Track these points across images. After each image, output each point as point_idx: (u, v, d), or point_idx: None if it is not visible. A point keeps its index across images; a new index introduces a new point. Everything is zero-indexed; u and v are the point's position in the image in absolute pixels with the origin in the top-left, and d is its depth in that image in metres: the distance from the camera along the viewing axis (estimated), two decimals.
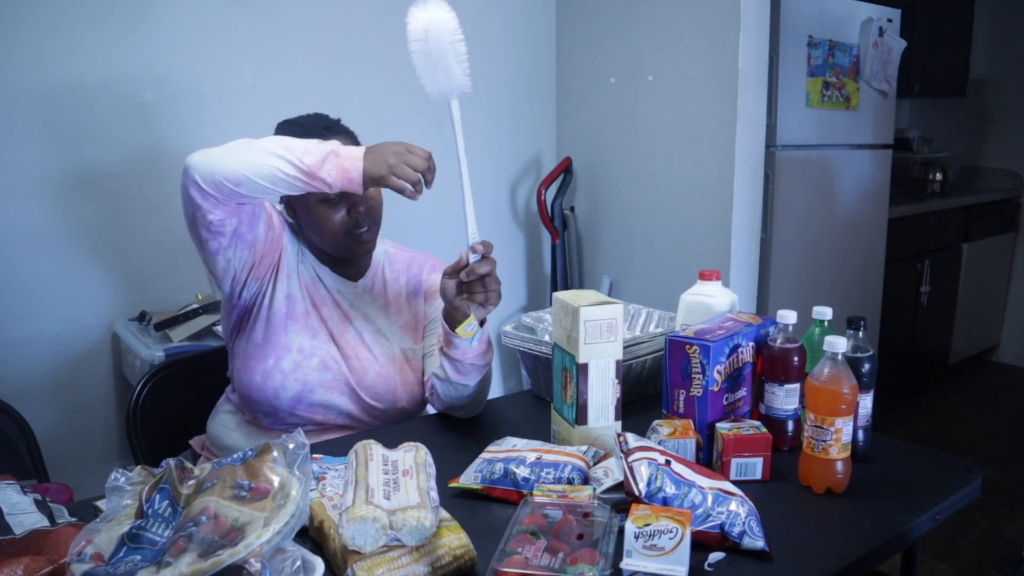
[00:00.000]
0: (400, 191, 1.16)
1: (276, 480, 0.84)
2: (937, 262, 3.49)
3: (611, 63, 2.62)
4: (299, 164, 1.13)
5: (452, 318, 1.25)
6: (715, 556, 0.92)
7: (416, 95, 2.64)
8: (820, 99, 2.64)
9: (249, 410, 1.39)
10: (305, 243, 1.41)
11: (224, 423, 1.43)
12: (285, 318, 1.34)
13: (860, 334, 1.15)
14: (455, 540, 0.88)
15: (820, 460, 1.07)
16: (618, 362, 1.15)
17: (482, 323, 1.27)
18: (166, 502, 0.87)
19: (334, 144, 1.16)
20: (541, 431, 1.27)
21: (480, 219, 2.84)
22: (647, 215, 2.58)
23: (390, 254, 1.49)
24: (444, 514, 0.93)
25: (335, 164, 1.13)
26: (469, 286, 1.22)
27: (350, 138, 1.38)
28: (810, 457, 1.08)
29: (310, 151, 1.14)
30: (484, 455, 1.13)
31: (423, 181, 1.18)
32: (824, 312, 1.22)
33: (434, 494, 0.93)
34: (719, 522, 0.93)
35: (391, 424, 1.41)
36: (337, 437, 1.34)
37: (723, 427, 1.13)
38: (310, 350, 1.34)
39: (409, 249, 1.52)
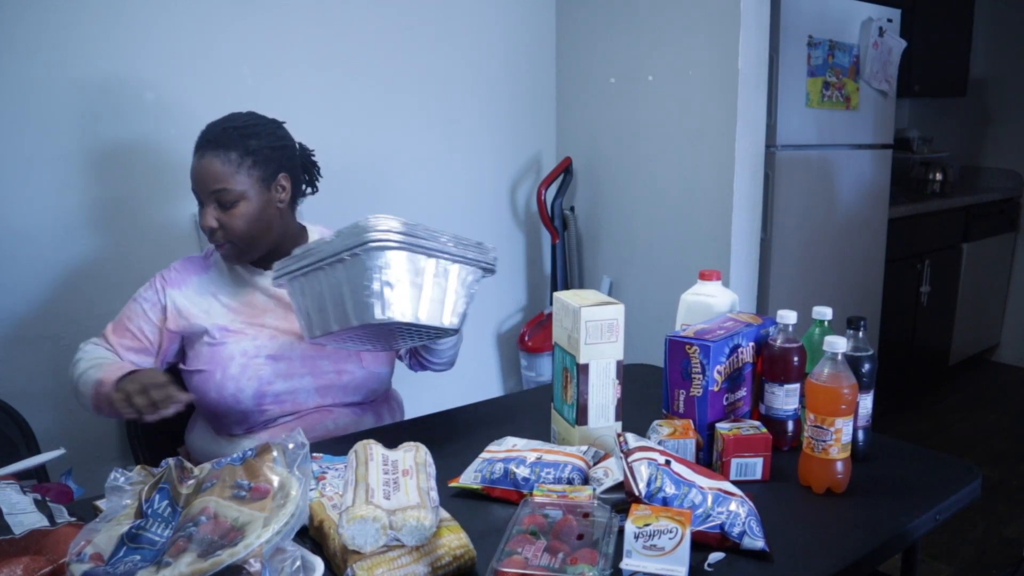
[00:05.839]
0: (125, 415, 1.20)
1: (276, 480, 0.84)
2: (937, 262, 3.49)
3: (611, 63, 2.61)
4: (95, 396, 1.28)
5: None
6: (715, 556, 0.92)
7: (416, 95, 2.65)
8: (820, 99, 2.64)
9: (220, 424, 1.42)
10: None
11: (205, 431, 1.46)
12: (222, 337, 1.39)
13: (860, 334, 1.15)
14: (455, 540, 0.88)
15: (820, 460, 1.07)
16: (619, 362, 1.15)
17: None
18: (166, 502, 0.87)
19: (107, 373, 1.27)
20: (541, 431, 1.27)
21: (480, 219, 2.86)
22: (647, 215, 2.58)
23: (324, 235, 1.50)
24: (444, 514, 0.93)
25: (101, 394, 1.25)
26: None
27: (262, 137, 1.37)
28: (810, 457, 1.08)
29: (103, 381, 1.26)
30: (484, 455, 1.13)
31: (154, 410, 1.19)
32: (824, 312, 1.22)
33: (434, 494, 0.93)
34: (719, 522, 0.93)
35: (362, 389, 1.44)
36: (322, 425, 1.37)
37: (723, 427, 1.13)
38: (254, 351, 1.37)
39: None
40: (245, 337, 1.38)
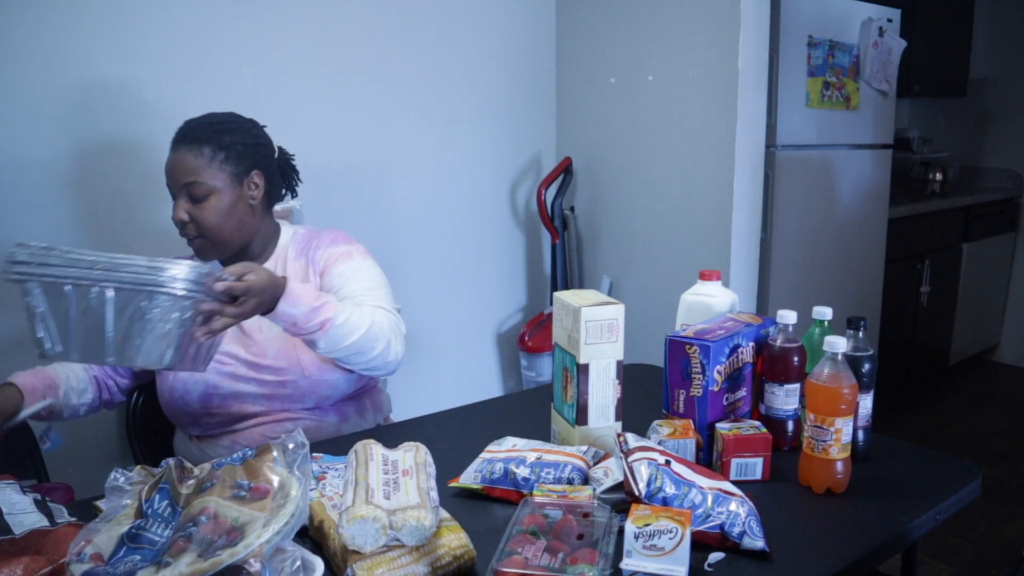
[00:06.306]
0: None
1: (276, 480, 0.84)
2: (937, 262, 3.49)
3: (611, 63, 2.61)
4: None
5: None
6: (715, 556, 0.92)
7: (416, 94, 2.64)
8: (820, 99, 2.64)
9: (179, 424, 1.45)
10: None
11: (181, 433, 1.49)
12: None
13: (860, 334, 1.15)
14: (455, 540, 0.88)
15: (820, 460, 1.07)
16: (619, 362, 1.15)
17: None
18: (166, 502, 0.87)
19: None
20: (541, 431, 1.27)
21: (480, 219, 2.86)
22: (647, 215, 2.58)
23: (299, 235, 1.49)
24: (444, 514, 0.93)
25: None
26: None
27: (237, 134, 1.37)
28: (810, 457, 1.08)
29: None
30: (484, 455, 1.13)
31: None
32: (824, 312, 1.22)
33: (434, 494, 0.93)
34: (719, 522, 0.93)
35: (309, 396, 1.40)
36: (282, 429, 1.36)
37: (723, 427, 1.13)
38: None
39: (317, 229, 1.53)
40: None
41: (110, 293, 1.04)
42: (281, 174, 1.48)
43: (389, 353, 1.33)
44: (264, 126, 1.46)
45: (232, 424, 1.41)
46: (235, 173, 1.36)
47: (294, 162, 1.53)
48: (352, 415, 1.48)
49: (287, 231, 1.50)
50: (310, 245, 1.47)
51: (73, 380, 1.39)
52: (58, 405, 1.35)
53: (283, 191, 1.51)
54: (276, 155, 1.46)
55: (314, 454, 1.13)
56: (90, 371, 1.43)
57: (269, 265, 1.45)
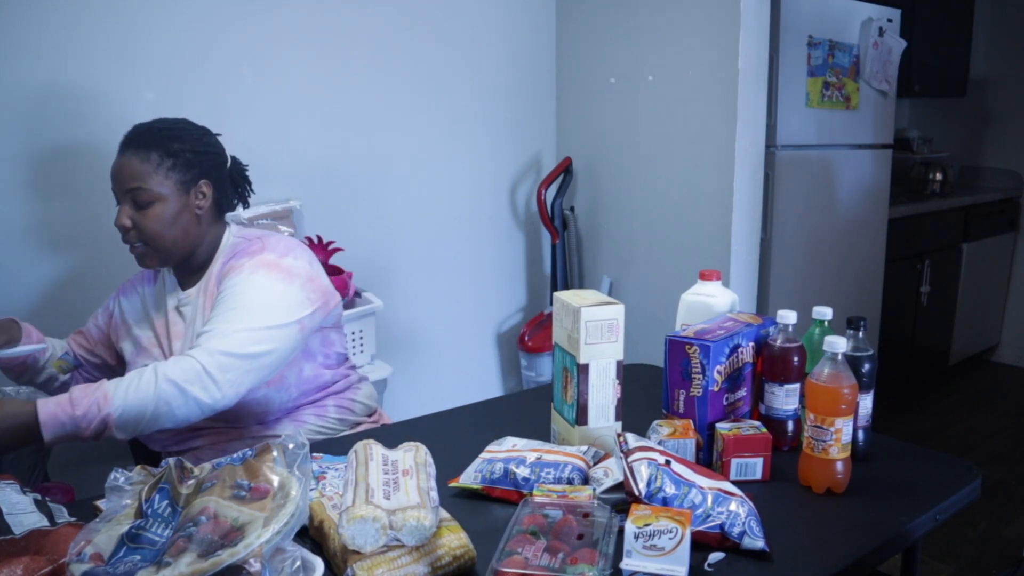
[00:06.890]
0: None
1: (276, 480, 0.84)
2: (937, 262, 3.49)
3: (611, 63, 2.61)
4: None
5: None
6: (715, 556, 0.92)
7: (416, 95, 2.64)
8: (820, 99, 2.64)
9: (143, 442, 1.44)
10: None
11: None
12: (136, 352, 1.42)
13: (860, 334, 1.15)
14: (455, 540, 0.88)
15: (820, 460, 1.07)
16: (619, 362, 1.15)
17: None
18: (166, 502, 0.87)
19: None
20: (541, 431, 1.27)
21: (480, 219, 2.85)
22: (647, 215, 2.58)
23: (230, 245, 1.42)
24: (444, 514, 0.93)
25: None
26: None
27: (186, 141, 1.35)
28: (810, 457, 1.08)
29: None
30: (484, 455, 1.13)
31: None
32: (824, 312, 1.22)
33: (434, 494, 0.93)
34: (719, 522, 0.93)
35: (245, 416, 1.35)
36: (241, 444, 1.34)
37: (723, 427, 1.13)
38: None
39: (254, 235, 1.43)
40: (151, 357, 1.39)
41: None
42: (233, 184, 1.45)
43: (199, 402, 1.18)
44: (218, 134, 1.43)
45: (187, 441, 1.38)
46: (182, 181, 1.33)
47: (248, 173, 1.50)
48: (311, 421, 1.42)
49: (225, 240, 1.43)
50: (233, 255, 1.38)
51: (58, 346, 1.47)
52: (44, 358, 1.41)
53: (235, 201, 1.47)
54: (228, 164, 1.43)
55: (314, 454, 1.13)
56: (70, 344, 1.50)
57: (203, 280, 1.40)
